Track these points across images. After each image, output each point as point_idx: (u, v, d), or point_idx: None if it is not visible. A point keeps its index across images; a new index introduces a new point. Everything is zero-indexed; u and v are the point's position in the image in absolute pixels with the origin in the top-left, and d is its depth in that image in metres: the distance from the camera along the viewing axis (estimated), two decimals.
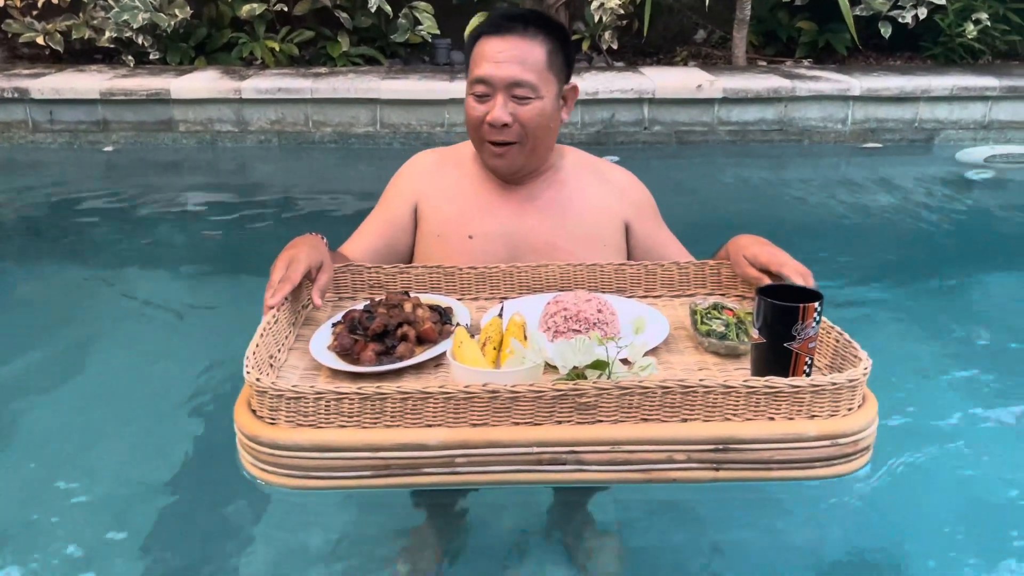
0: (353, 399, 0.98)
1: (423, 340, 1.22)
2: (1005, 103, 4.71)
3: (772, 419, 1.02)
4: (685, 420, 1.02)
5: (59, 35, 5.04)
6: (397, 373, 1.17)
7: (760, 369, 1.09)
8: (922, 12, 5.09)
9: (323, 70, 4.98)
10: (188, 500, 1.76)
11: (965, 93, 4.67)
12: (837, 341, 1.15)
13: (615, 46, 5.21)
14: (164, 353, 2.38)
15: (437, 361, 1.21)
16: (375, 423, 0.99)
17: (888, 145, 4.70)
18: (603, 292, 1.45)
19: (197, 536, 1.69)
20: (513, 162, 1.52)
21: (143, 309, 2.71)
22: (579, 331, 1.24)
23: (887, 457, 1.81)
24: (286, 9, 5.12)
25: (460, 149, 1.65)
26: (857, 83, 4.64)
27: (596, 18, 5.03)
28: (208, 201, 3.84)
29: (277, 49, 5.13)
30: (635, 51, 5.57)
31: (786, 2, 5.34)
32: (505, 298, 1.44)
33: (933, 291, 2.90)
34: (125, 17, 4.83)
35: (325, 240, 1.43)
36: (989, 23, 5.12)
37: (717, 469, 1.02)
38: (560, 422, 1.01)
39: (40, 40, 5.02)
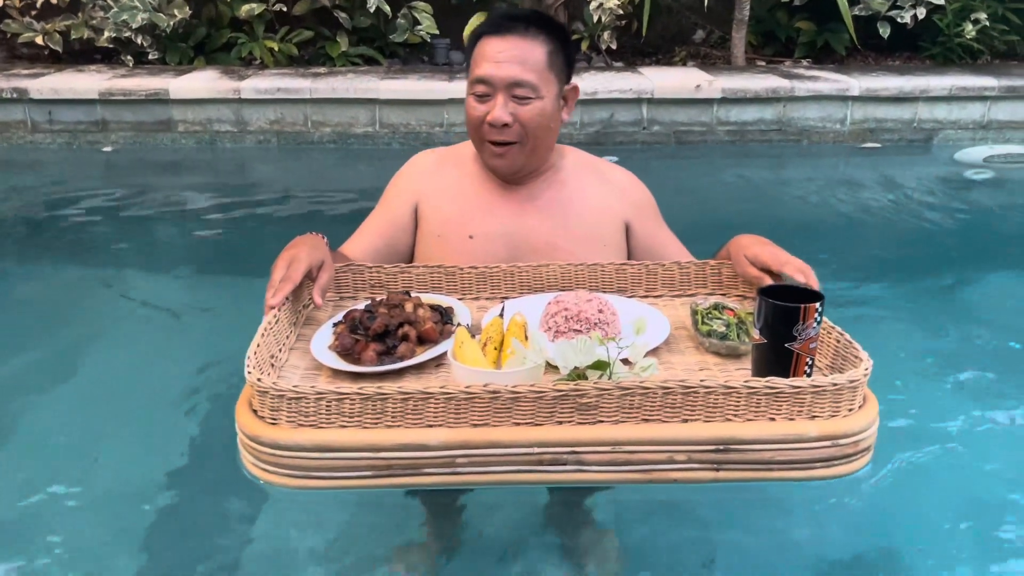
0: (354, 399, 0.98)
1: (424, 340, 1.22)
2: (1004, 103, 4.71)
3: (773, 419, 1.02)
4: (686, 420, 1.02)
5: (58, 35, 5.03)
6: (398, 373, 1.17)
7: (761, 369, 1.09)
8: (921, 12, 5.09)
9: (322, 70, 4.98)
10: (188, 500, 1.77)
11: (964, 93, 4.67)
12: (838, 341, 1.15)
13: (614, 46, 5.21)
14: (164, 353, 2.38)
15: (438, 361, 1.21)
16: (376, 423, 0.99)
17: (887, 145, 4.70)
18: (604, 292, 1.45)
19: (197, 536, 1.69)
20: (513, 162, 1.52)
21: (142, 309, 2.72)
22: (580, 331, 1.23)
23: (887, 457, 1.81)
24: (285, 9, 5.11)
25: (460, 149, 1.65)
26: (856, 83, 4.64)
27: (595, 18, 5.04)
28: (207, 201, 3.83)
29: (276, 49, 5.12)
30: (634, 51, 5.57)
31: (785, 2, 5.34)
32: (506, 298, 1.44)
33: (933, 291, 2.91)
34: (124, 17, 4.83)
35: (326, 240, 1.43)
36: (988, 23, 5.13)
37: (718, 469, 1.02)
38: (561, 422, 1.01)
39: (39, 40, 5.02)
